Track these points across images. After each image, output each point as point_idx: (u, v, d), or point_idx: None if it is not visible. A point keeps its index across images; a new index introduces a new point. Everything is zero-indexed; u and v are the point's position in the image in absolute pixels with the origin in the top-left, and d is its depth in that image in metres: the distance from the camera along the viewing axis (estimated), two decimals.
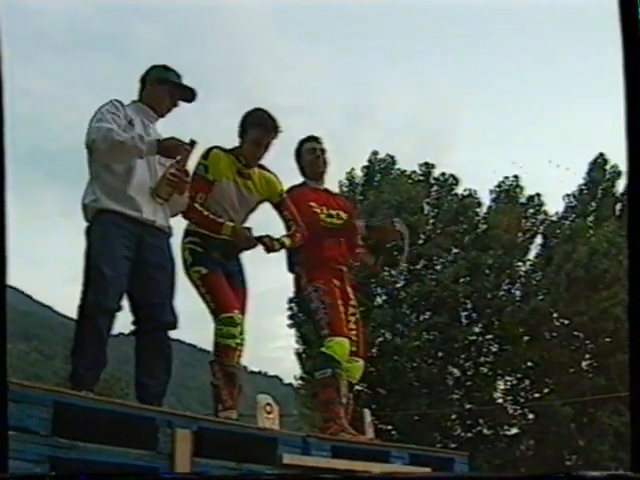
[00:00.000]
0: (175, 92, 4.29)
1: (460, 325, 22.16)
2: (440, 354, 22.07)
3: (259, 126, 4.52)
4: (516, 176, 24.37)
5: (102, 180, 4.01)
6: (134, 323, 4.06)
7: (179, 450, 3.15)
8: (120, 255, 3.90)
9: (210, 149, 4.51)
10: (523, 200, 24.14)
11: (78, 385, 3.61)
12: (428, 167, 24.63)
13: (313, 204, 4.90)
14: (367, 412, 4.95)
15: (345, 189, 23.51)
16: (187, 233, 4.52)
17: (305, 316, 5.03)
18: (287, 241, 4.61)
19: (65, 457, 2.81)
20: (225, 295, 4.37)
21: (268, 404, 4.02)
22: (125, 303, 3.98)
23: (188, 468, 3.15)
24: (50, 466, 2.75)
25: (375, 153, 24.93)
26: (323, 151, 5.10)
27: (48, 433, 2.79)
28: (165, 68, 4.33)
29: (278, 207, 4.74)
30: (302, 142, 5.10)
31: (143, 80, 4.34)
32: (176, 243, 4.36)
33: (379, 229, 5.13)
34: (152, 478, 2.99)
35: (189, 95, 4.33)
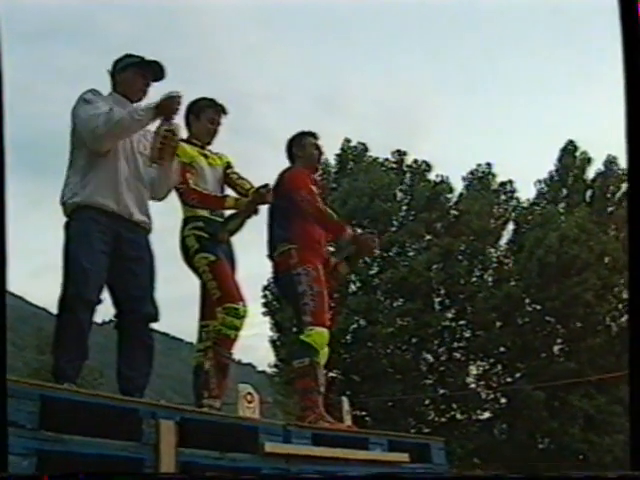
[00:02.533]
0: (144, 72, 4.29)
1: (433, 311, 22.33)
2: (414, 340, 22.23)
3: (210, 107, 4.78)
4: (488, 163, 24.59)
5: (80, 175, 4.01)
6: (116, 316, 4.09)
7: (164, 441, 3.19)
8: (98, 249, 3.92)
9: None
10: (495, 187, 24.35)
11: (61, 378, 3.63)
12: (400, 154, 24.75)
13: (314, 188, 5.01)
14: (345, 400, 5.00)
15: (318, 177, 23.52)
16: (187, 220, 4.56)
17: (286, 296, 5.00)
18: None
19: (52, 450, 2.84)
20: (232, 284, 4.43)
21: (249, 393, 4.06)
22: (106, 296, 4.01)
23: (173, 458, 3.20)
24: (37, 459, 2.78)
25: (348, 141, 25.00)
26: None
27: (35, 426, 2.82)
28: (128, 56, 4.34)
29: (227, 171, 4.86)
30: (304, 135, 5.24)
31: (112, 74, 4.35)
32: (154, 238, 4.36)
33: (363, 241, 5.12)
34: (154, 477, 3.03)
35: (158, 71, 4.32)
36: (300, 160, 5.14)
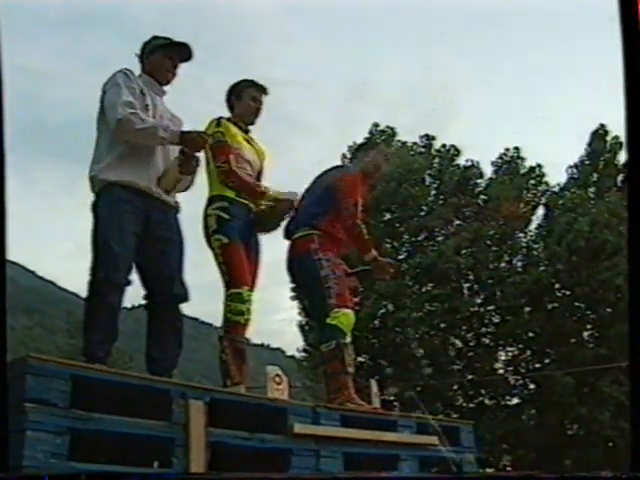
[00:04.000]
0: (171, 54, 4.31)
1: (462, 296, 22.23)
2: (442, 325, 22.16)
3: (251, 86, 4.84)
4: (517, 147, 24.38)
5: (109, 152, 4.02)
6: (145, 297, 4.11)
7: (193, 421, 3.22)
8: (128, 230, 3.92)
9: (219, 118, 4.70)
10: (524, 171, 24.15)
11: (91, 359, 3.66)
12: (429, 139, 24.61)
13: (360, 200, 5.04)
14: (373, 382, 5.02)
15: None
16: (212, 199, 4.59)
17: (306, 278, 5.02)
18: None
19: (83, 428, 2.87)
20: (239, 270, 4.42)
21: (277, 375, 4.09)
22: (135, 278, 4.03)
23: (202, 438, 3.22)
24: (69, 437, 2.82)
25: (376, 125, 24.89)
26: None
27: (66, 405, 2.85)
28: (155, 37, 4.37)
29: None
30: (374, 145, 5.36)
31: (140, 57, 4.38)
32: (185, 221, 4.37)
33: (382, 265, 5.21)
34: (155, 478, 3.05)
35: (185, 52, 4.35)
36: (360, 165, 5.26)
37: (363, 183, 5.13)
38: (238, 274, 4.41)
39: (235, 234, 4.47)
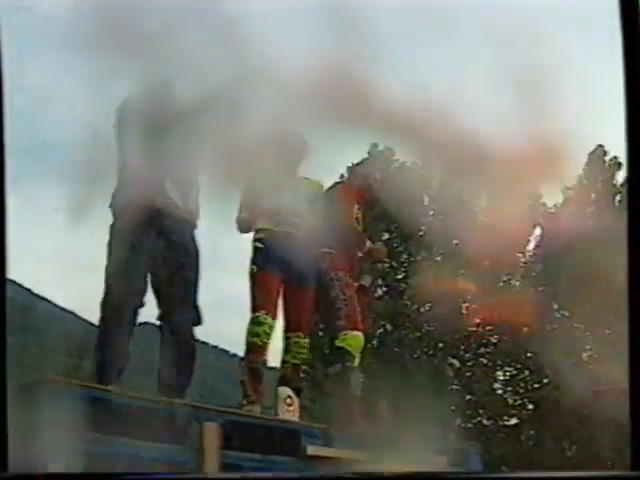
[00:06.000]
0: None
1: (460, 316, 22.13)
2: (440, 345, 22.07)
3: None
4: None
5: (122, 175, 4.06)
6: (158, 319, 4.11)
7: (207, 443, 3.22)
8: (141, 253, 3.94)
9: None
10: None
11: (104, 380, 3.66)
12: None
13: (356, 207, 5.14)
14: (383, 404, 5.00)
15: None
16: (256, 230, 4.76)
17: (318, 300, 5.04)
18: None
19: (97, 451, 2.87)
20: (261, 295, 4.56)
21: (289, 396, 4.09)
22: (149, 299, 4.03)
23: (216, 460, 3.21)
24: (83, 460, 2.81)
25: (375, 145, 24.84)
26: None
27: (81, 428, 2.85)
28: None
29: None
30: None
31: None
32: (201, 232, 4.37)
33: (377, 251, 5.25)
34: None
35: None
36: (353, 178, 5.31)
37: (358, 194, 5.14)
38: (260, 299, 4.56)
39: (266, 263, 4.63)
